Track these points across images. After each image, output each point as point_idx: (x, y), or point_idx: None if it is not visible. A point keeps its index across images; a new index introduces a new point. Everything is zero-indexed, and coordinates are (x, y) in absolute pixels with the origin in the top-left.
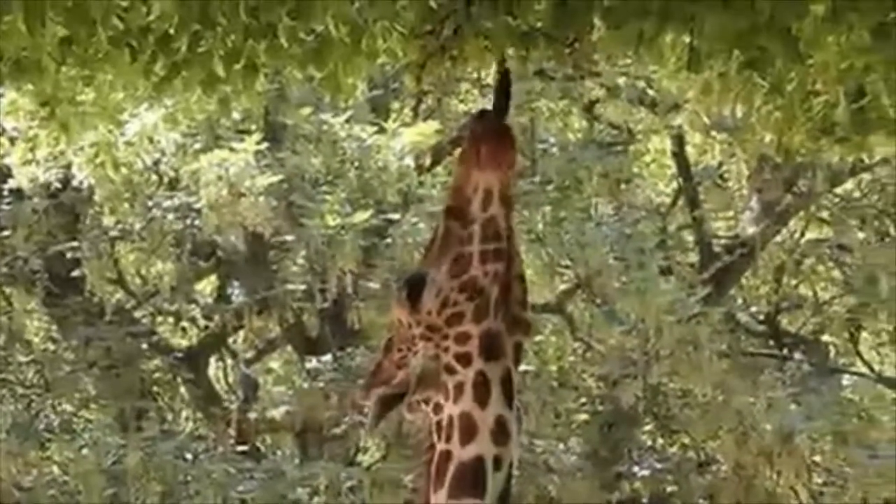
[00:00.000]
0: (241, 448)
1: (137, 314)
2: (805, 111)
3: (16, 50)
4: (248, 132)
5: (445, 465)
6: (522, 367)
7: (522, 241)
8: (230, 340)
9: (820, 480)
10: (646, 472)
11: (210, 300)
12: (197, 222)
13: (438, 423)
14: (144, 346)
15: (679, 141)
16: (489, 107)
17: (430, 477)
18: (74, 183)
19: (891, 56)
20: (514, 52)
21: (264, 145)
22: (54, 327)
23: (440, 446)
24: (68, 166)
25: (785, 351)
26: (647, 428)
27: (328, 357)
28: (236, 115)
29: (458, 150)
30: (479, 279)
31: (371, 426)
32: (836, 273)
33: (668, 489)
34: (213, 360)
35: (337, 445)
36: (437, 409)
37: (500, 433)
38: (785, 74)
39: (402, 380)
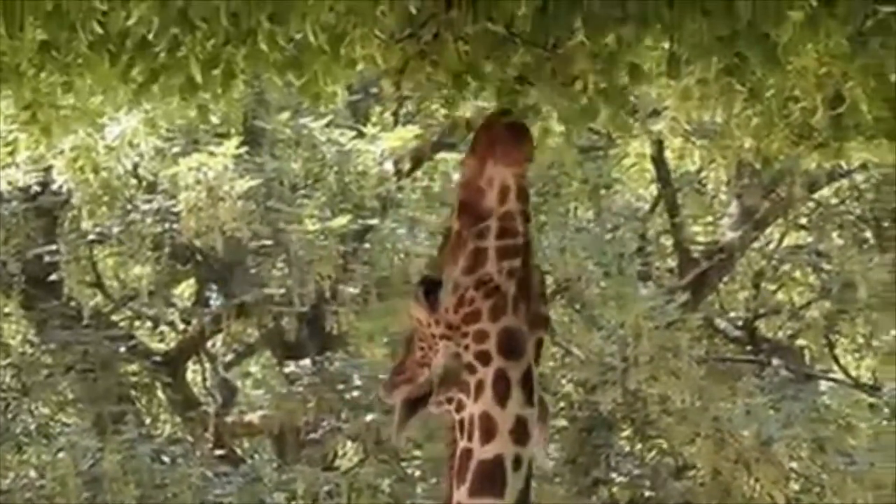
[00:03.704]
0: (218, 452)
1: (115, 318)
2: (784, 117)
3: None
4: (227, 136)
5: (467, 462)
6: None
7: None
8: (208, 344)
9: (797, 487)
10: (623, 478)
11: (188, 304)
12: (175, 226)
13: (461, 422)
14: (122, 349)
15: (658, 146)
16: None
17: (452, 474)
18: (53, 186)
19: (868, 63)
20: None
21: (243, 149)
22: (32, 331)
23: (462, 444)
24: (48, 169)
25: (762, 357)
26: (625, 433)
27: (306, 361)
28: (215, 119)
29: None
30: (494, 276)
31: (398, 429)
32: (814, 279)
33: (646, 494)
34: (191, 363)
35: (315, 450)
36: (460, 406)
37: (520, 433)
38: (764, 81)
39: (427, 379)
